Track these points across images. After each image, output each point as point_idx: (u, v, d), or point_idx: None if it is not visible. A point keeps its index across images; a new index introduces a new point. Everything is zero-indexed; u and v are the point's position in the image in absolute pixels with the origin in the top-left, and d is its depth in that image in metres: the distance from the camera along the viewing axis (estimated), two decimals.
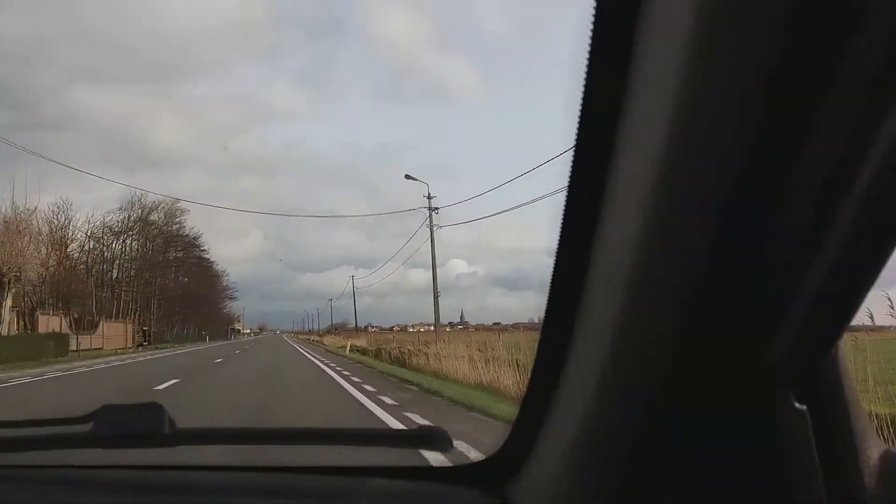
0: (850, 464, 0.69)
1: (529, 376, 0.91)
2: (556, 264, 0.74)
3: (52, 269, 42.13)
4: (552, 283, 0.76)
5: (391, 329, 76.85)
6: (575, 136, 0.65)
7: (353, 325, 69.64)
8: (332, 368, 18.42)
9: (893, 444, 2.33)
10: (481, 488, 0.99)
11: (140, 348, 47.17)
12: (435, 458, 2.38)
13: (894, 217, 0.54)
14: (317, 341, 63.01)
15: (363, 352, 32.26)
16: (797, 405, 0.67)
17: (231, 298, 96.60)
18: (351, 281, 63.66)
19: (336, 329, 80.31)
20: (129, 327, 52.36)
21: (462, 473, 1.06)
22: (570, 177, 0.68)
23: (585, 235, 0.69)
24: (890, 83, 0.48)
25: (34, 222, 36.98)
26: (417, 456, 1.38)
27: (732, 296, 0.60)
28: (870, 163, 0.50)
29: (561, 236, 0.73)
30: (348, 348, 34.93)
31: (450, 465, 1.19)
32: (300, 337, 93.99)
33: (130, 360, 26.75)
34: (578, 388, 0.78)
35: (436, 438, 1.02)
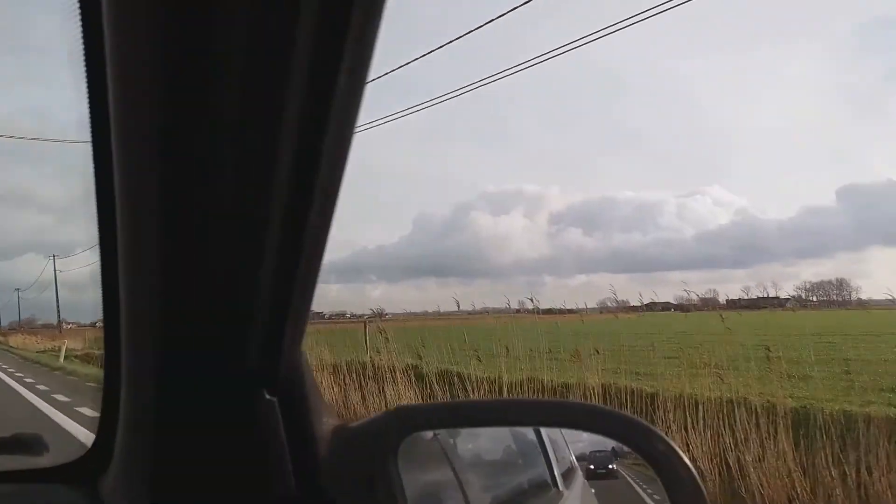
0: (309, 439, 0.92)
1: (103, 380, 0.99)
2: (102, 283, 0.87)
3: None
4: (102, 296, 0.89)
5: (93, 325, 63.74)
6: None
7: (42, 322, 56.45)
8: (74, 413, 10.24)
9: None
10: (76, 485, 1.08)
11: None
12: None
13: (314, 244, 0.77)
14: None
15: (87, 359, 22.43)
16: (268, 397, 0.89)
17: None
18: (52, 263, 49.88)
19: (22, 327, 64.31)
20: None
21: (59, 472, 1.12)
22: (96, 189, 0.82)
23: (110, 257, 0.81)
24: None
25: None
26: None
27: (210, 314, 0.81)
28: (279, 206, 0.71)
29: (101, 260, 0.85)
30: (62, 356, 24.37)
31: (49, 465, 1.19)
32: None
33: None
34: (127, 390, 0.92)
35: (32, 443, 1.19)
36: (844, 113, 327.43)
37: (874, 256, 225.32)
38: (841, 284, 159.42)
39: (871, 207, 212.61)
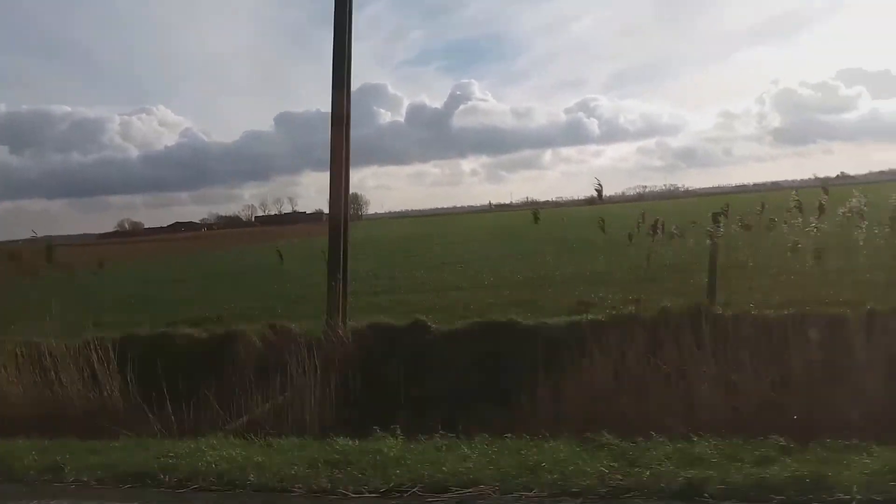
0: None
1: None
2: None
3: None
4: None
5: None
6: None
7: None
8: None
9: None
10: None
11: None
12: None
13: None
14: None
15: None
16: None
17: None
18: None
19: None
20: None
21: None
22: None
23: None
24: None
25: None
26: None
27: None
28: None
29: None
30: None
31: None
32: None
33: None
34: None
35: None
36: (279, 46, 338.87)
37: (306, 180, 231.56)
38: (357, 200, 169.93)
39: (304, 135, 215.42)
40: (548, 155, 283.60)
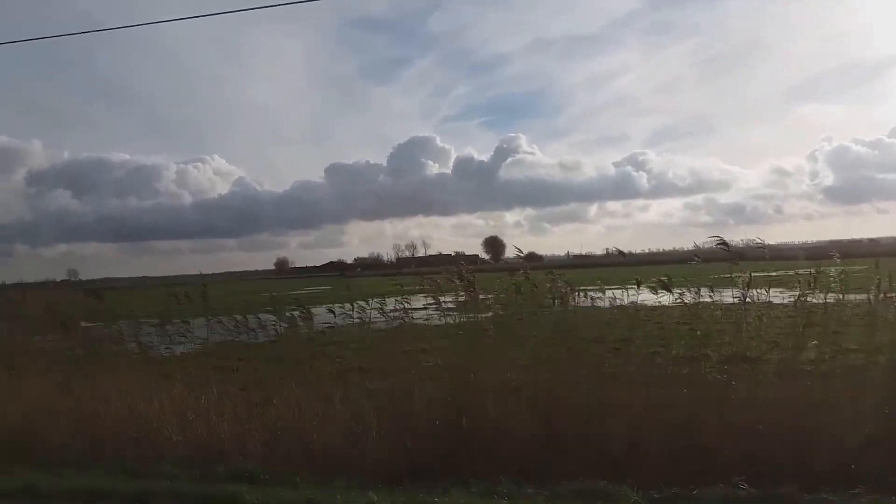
0: None
1: None
2: None
3: None
4: None
5: None
6: None
7: None
8: None
9: None
10: None
11: None
12: None
13: None
14: None
15: None
16: None
17: None
18: None
19: None
20: None
21: None
22: None
23: None
24: None
25: None
26: None
27: None
28: None
29: None
30: None
31: None
32: None
33: None
34: None
35: None
36: (329, 98, 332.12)
37: (353, 228, 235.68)
38: (497, 243, 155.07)
39: (353, 185, 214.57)
40: (594, 208, 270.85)
